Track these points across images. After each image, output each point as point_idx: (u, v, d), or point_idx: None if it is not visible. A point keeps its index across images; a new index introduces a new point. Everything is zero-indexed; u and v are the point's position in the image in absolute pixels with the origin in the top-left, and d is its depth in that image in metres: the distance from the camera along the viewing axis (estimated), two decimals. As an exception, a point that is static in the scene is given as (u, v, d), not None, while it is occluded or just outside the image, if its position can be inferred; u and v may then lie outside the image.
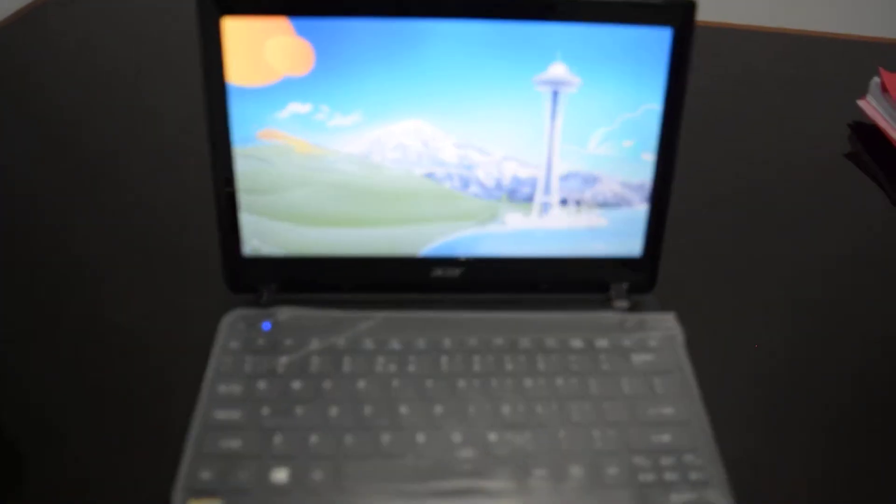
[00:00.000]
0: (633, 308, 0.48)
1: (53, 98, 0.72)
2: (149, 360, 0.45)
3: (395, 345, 0.44)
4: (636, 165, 0.46)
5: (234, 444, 0.39)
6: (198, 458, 0.38)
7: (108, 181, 0.60)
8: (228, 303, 0.46)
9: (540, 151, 0.45)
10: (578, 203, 0.46)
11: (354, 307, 0.46)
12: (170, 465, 0.38)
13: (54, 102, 0.71)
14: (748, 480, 0.39)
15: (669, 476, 0.39)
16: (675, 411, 0.42)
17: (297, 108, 0.43)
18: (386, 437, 0.40)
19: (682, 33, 0.43)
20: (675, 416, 0.42)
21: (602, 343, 0.45)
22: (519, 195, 0.46)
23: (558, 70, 0.43)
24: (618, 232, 0.47)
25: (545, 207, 0.46)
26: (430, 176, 0.45)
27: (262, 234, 0.45)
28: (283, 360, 0.43)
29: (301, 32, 0.42)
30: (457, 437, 0.40)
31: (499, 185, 0.45)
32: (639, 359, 0.45)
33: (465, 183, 0.45)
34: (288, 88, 0.42)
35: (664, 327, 0.47)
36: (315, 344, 0.44)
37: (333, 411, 0.41)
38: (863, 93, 0.70)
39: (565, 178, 0.46)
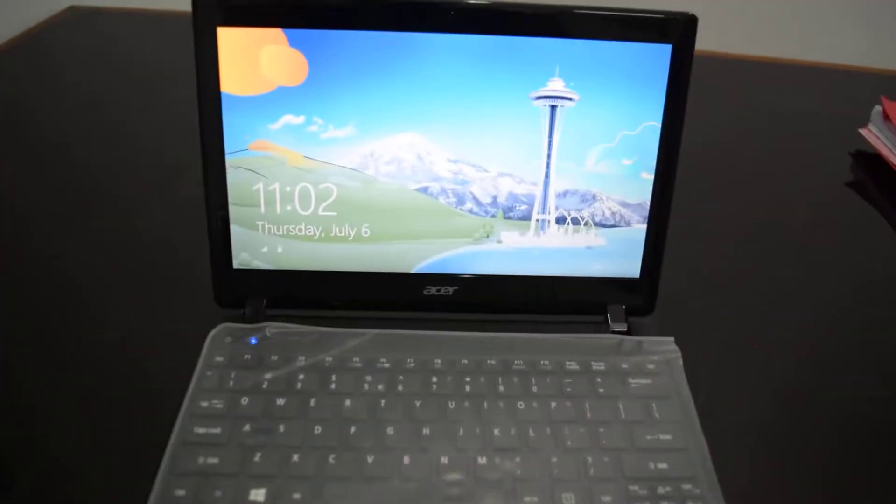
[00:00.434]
0: (631, 331, 0.47)
1: (40, 112, 0.72)
2: (132, 374, 0.44)
3: (385, 363, 0.43)
4: (635, 184, 0.45)
5: (212, 460, 0.38)
6: (173, 474, 0.37)
7: (95, 193, 0.60)
8: (216, 317, 0.45)
9: (537, 168, 0.44)
10: (576, 222, 0.45)
11: (344, 324, 0.45)
12: (147, 482, 0.37)
13: (41, 117, 0.71)
14: (749, 511, 0.37)
15: (666, 505, 0.37)
16: (674, 438, 0.40)
17: (290, 119, 0.42)
18: (370, 459, 0.38)
19: (683, 49, 0.42)
20: (673, 442, 0.40)
21: (599, 366, 0.44)
22: (515, 213, 0.45)
23: (556, 85, 0.42)
24: (616, 252, 0.46)
25: (542, 225, 0.45)
26: (424, 191, 0.44)
27: (251, 248, 0.45)
28: (269, 375, 0.42)
29: (294, 43, 0.41)
30: (444, 460, 0.38)
31: (494, 202, 0.44)
32: (636, 383, 0.43)
33: (461, 199, 0.44)
34: (281, 98, 0.42)
35: (663, 351, 0.45)
36: (302, 360, 0.43)
37: (317, 430, 0.39)
38: (864, 122, 0.69)
39: (563, 195, 0.45)
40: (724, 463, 0.39)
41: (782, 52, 0.89)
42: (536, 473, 0.38)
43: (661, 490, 0.38)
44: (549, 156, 0.44)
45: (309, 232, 0.44)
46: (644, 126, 0.44)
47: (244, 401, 0.41)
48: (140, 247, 0.54)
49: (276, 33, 0.41)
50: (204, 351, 0.43)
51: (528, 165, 0.44)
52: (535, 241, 0.45)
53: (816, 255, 0.57)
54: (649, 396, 0.42)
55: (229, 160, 0.43)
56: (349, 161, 0.43)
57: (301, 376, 0.42)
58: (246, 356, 0.43)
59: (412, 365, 0.43)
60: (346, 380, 0.42)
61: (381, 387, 0.42)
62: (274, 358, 0.43)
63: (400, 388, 0.42)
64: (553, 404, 0.41)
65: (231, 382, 0.41)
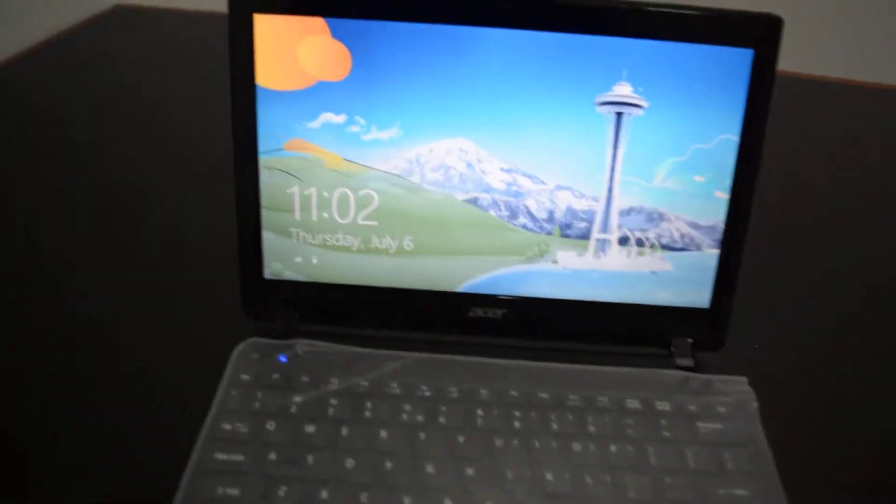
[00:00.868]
0: (698, 367, 0.42)
1: (83, 111, 0.70)
2: (151, 389, 0.40)
3: (425, 391, 0.39)
4: (708, 204, 0.40)
5: (232, 491, 0.34)
6: (189, 506, 0.33)
7: (128, 194, 0.57)
8: (243, 330, 0.42)
9: (599, 182, 0.40)
10: (640, 243, 0.41)
11: (381, 345, 0.41)
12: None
13: (83, 115, 0.69)
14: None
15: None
16: (749, 494, 0.35)
17: (330, 117, 0.39)
18: (407, 501, 0.34)
19: (765, 55, 0.38)
20: (750, 498, 0.35)
21: (663, 406, 0.39)
22: (573, 230, 0.41)
23: (623, 90, 0.38)
24: (684, 279, 0.41)
25: (602, 246, 0.41)
26: (473, 202, 0.40)
27: (284, 257, 0.41)
28: (298, 399, 0.38)
29: (338, 35, 0.38)
30: (490, 506, 0.34)
31: (550, 218, 0.40)
32: (706, 427, 0.38)
33: (513, 213, 0.40)
34: (321, 95, 0.38)
35: (734, 392, 0.40)
36: (335, 383, 0.39)
37: (349, 463, 0.35)
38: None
39: (626, 213, 0.40)
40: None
41: (873, 75, 0.84)
42: (593, 526, 0.34)
43: (735, 554, 0.33)
44: (612, 169, 0.40)
45: (347, 242, 0.41)
46: (720, 139, 0.39)
47: (270, 426, 0.37)
48: (167, 251, 0.51)
49: (318, 23, 0.38)
50: (229, 367, 0.40)
51: (589, 178, 0.40)
52: (593, 262, 0.41)
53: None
54: (721, 444, 0.38)
55: (263, 160, 0.39)
56: (393, 166, 0.39)
57: (333, 401, 0.38)
58: (274, 375, 0.39)
59: (455, 395, 0.39)
60: (382, 408, 0.38)
61: (420, 417, 0.37)
62: (304, 379, 0.39)
63: (441, 420, 0.37)
64: (612, 448, 0.37)
65: (257, 404, 0.38)
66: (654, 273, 0.41)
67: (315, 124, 0.39)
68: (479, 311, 0.42)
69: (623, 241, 0.41)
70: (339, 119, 0.39)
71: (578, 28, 0.38)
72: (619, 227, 0.40)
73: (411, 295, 0.42)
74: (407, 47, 0.38)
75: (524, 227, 0.40)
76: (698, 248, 0.41)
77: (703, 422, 0.39)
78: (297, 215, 0.40)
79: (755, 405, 0.40)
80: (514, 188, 0.40)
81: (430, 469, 0.35)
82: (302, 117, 0.39)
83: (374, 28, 0.37)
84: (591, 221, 0.40)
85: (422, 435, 0.37)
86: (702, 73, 0.38)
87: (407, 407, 0.38)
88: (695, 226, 0.40)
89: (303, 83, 0.38)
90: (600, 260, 0.41)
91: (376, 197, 0.40)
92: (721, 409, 0.39)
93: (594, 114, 0.39)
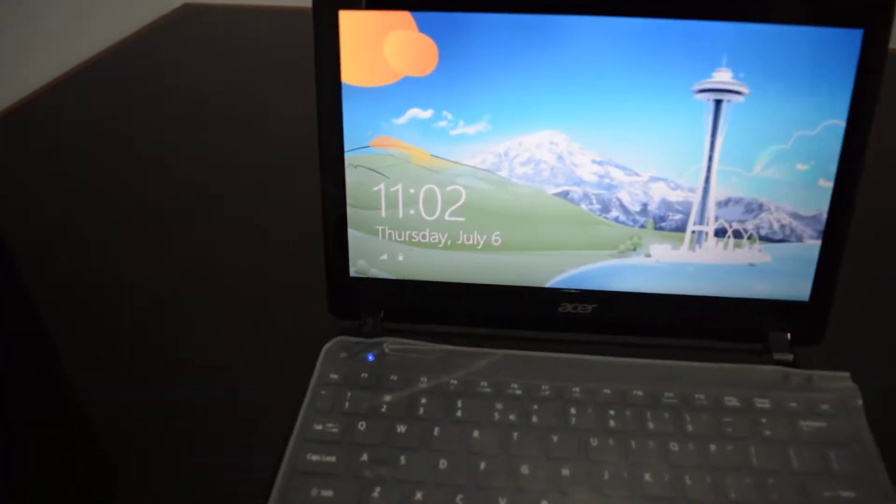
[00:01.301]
0: (796, 363, 0.40)
1: (154, 110, 0.71)
2: (238, 388, 0.41)
3: (516, 389, 0.38)
4: (811, 193, 0.38)
5: (326, 493, 0.34)
6: (286, 508, 0.33)
7: (205, 193, 0.57)
8: (328, 328, 0.42)
9: (695, 172, 0.38)
10: (738, 235, 0.39)
11: (467, 341, 0.41)
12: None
13: (154, 115, 0.70)
14: None
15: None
16: (857, 496, 0.34)
17: (416, 113, 0.38)
18: (503, 502, 0.34)
19: (876, 35, 0.35)
20: (857, 501, 0.34)
21: (762, 403, 0.38)
22: (668, 223, 0.39)
23: (723, 77, 0.36)
24: (783, 271, 0.40)
25: (698, 238, 0.39)
26: (564, 196, 0.39)
27: (370, 255, 0.41)
28: (388, 398, 0.38)
29: (424, 28, 0.37)
30: (588, 508, 0.33)
31: (644, 210, 0.39)
32: (808, 426, 0.37)
33: (605, 206, 0.39)
34: (408, 90, 0.37)
35: (837, 389, 0.39)
36: (424, 382, 0.39)
37: (442, 464, 0.35)
38: None
39: (724, 204, 0.39)
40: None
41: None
42: (696, 530, 0.33)
43: (846, 560, 0.32)
44: (710, 158, 0.38)
45: (433, 239, 0.40)
46: (825, 125, 0.37)
47: (361, 426, 0.37)
48: (249, 250, 0.51)
49: (404, 17, 0.37)
50: (318, 367, 0.40)
51: (685, 169, 0.38)
52: (689, 255, 0.40)
53: None
54: (825, 443, 0.36)
55: (349, 158, 0.39)
56: (481, 161, 0.38)
57: (423, 400, 0.38)
58: (363, 374, 0.39)
59: (547, 393, 0.38)
60: (473, 407, 0.37)
61: (512, 417, 0.37)
62: (393, 378, 0.39)
63: (534, 419, 0.37)
64: (712, 447, 0.36)
65: (347, 404, 0.38)
66: (751, 265, 0.40)
67: (401, 120, 0.38)
68: (569, 307, 0.41)
69: (720, 232, 0.39)
70: (426, 114, 0.38)
71: (674, 13, 0.36)
72: (716, 218, 0.39)
73: (499, 291, 0.41)
74: (495, 39, 0.36)
75: (616, 220, 0.39)
76: (799, 239, 0.39)
77: (806, 420, 0.37)
78: (384, 213, 0.40)
79: (860, 402, 0.38)
80: (607, 180, 0.38)
81: (524, 470, 0.35)
82: (388, 114, 0.38)
83: (460, 20, 0.36)
84: (686, 213, 0.39)
85: (515, 435, 0.36)
86: (806, 57, 0.36)
87: (498, 406, 0.38)
88: (796, 216, 0.39)
89: (389, 79, 0.37)
90: (696, 253, 0.39)
91: (464, 193, 0.39)
92: (824, 407, 0.38)
93: (692, 102, 0.37)
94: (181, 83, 0.75)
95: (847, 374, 0.39)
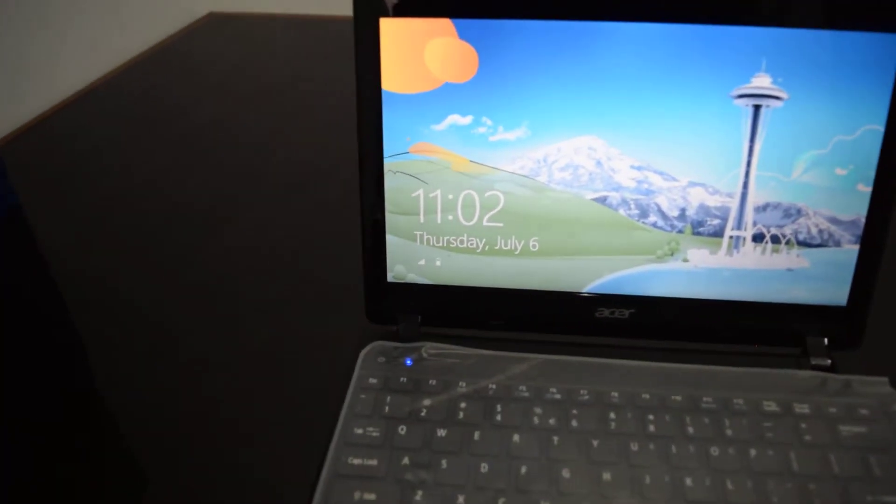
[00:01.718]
0: (834, 368, 0.40)
1: (182, 119, 0.71)
2: (277, 391, 0.41)
3: (555, 394, 0.38)
4: (849, 198, 0.38)
5: (368, 496, 0.34)
6: (330, 511, 0.34)
7: (240, 198, 0.58)
8: (366, 333, 0.42)
9: (734, 177, 0.38)
10: (776, 240, 0.39)
11: (504, 346, 0.41)
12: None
13: (182, 123, 0.70)
14: None
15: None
16: (901, 501, 0.34)
17: (456, 119, 0.38)
18: (546, 506, 0.34)
19: (916, 41, 0.36)
20: (901, 506, 0.34)
21: (802, 408, 0.38)
22: (706, 228, 0.39)
23: (762, 82, 0.37)
24: (821, 276, 0.40)
25: (736, 243, 0.39)
26: (602, 201, 0.39)
27: (407, 260, 0.41)
28: (427, 402, 0.38)
29: (465, 35, 0.37)
30: (631, 513, 0.34)
31: (682, 216, 0.39)
32: (848, 431, 0.37)
33: (644, 211, 0.39)
34: (448, 97, 0.38)
35: (876, 394, 0.39)
36: (463, 386, 0.39)
37: (483, 468, 0.35)
38: None
39: (762, 209, 0.39)
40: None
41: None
42: (739, 535, 0.33)
43: (891, 566, 0.32)
44: (748, 163, 0.38)
45: (471, 244, 0.40)
46: (864, 130, 0.37)
47: (401, 430, 0.37)
48: (287, 255, 0.51)
49: (445, 24, 0.37)
50: (356, 371, 0.40)
51: (723, 174, 0.38)
52: (727, 260, 0.40)
53: None
54: (866, 448, 0.36)
55: (388, 164, 0.39)
56: (519, 167, 0.39)
57: (462, 405, 0.38)
58: (401, 379, 0.39)
59: (586, 397, 0.38)
60: (512, 411, 0.38)
61: (552, 421, 0.37)
62: (432, 382, 0.39)
63: (574, 423, 0.37)
64: (752, 452, 0.36)
65: (386, 408, 0.38)
66: (789, 270, 0.40)
67: (441, 126, 0.38)
68: (606, 312, 0.41)
69: (758, 237, 0.39)
70: (466, 121, 0.38)
71: (714, 18, 0.36)
72: (755, 223, 0.39)
73: (536, 296, 0.41)
74: (534, 45, 0.37)
75: (654, 225, 0.39)
76: (837, 244, 0.39)
77: (846, 425, 0.37)
78: (422, 218, 0.40)
79: (900, 408, 0.38)
80: (645, 186, 0.39)
81: (566, 474, 0.35)
82: (428, 120, 0.38)
83: (500, 27, 0.37)
84: (724, 218, 0.39)
85: (555, 439, 0.37)
86: (845, 62, 0.36)
87: (538, 410, 0.38)
88: (834, 221, 0.39)
89: (429, 85, 0.38)
90: (734, 258, 0.40)
91: (502, 198, 0.39)
92: (863, 412, 0.38)
93: (731, 107, 0.37)
94: (208, 91, 0.76)
95: (886, 379, 0.39)
